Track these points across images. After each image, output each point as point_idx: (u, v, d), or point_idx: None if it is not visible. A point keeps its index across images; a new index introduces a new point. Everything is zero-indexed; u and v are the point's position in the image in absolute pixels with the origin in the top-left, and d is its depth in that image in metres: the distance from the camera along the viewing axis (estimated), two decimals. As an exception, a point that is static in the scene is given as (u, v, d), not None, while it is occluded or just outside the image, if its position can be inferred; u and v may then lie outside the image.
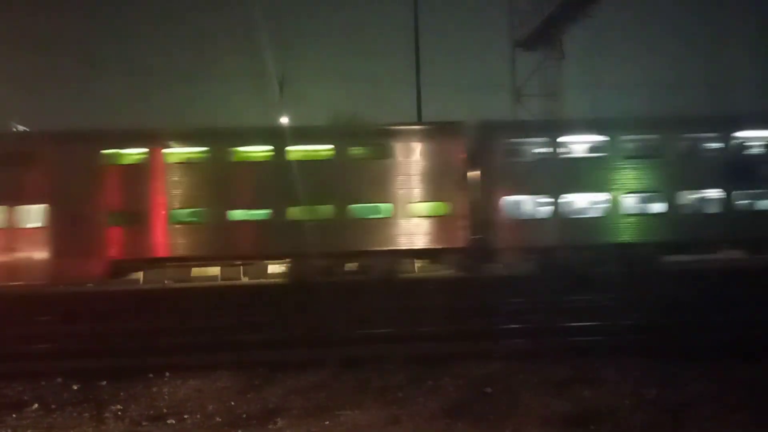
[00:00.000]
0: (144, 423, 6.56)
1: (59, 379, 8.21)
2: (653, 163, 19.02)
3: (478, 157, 18.85)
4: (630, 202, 19.01)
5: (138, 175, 18.18)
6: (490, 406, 6.72)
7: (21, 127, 21.31)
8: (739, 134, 19.42)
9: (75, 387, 7.94)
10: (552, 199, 18.60)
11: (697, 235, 18.73)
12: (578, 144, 19.71)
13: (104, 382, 8.04)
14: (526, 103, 31.67)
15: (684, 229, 18.70)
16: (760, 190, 19.19)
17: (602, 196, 18.79)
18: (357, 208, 18.30)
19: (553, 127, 19.82)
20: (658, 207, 18.96)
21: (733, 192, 18.89)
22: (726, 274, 17.16)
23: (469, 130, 19.17)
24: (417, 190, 18.39)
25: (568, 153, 19.45)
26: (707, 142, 19.71)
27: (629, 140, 19.51)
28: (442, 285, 17.59)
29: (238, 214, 18.21)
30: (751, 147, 19.70)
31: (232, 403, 7.12)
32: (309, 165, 18.41)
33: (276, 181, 18.16)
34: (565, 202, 18.77)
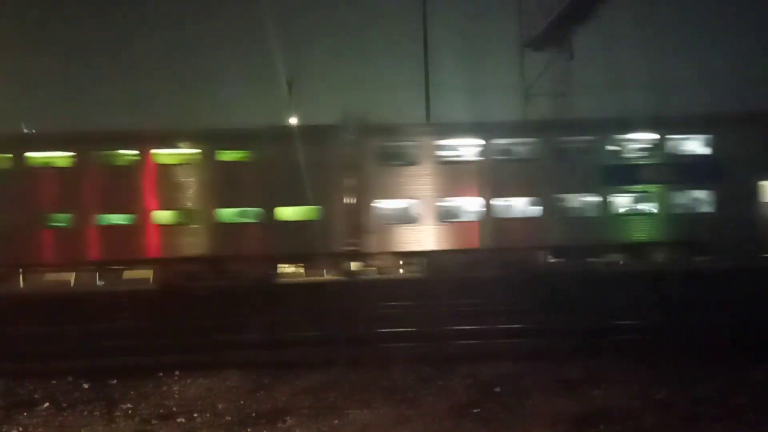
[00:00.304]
0: (154, 421, 6.58)
1: (70, 378, 8.26)
2: (530, 166, 18.71)
3: (353, 160, 18.51)
4: (507, 206, 18.75)
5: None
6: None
7: (30, 130, 21.35)
8: (618, 137, 19.16)
9: (86, 386, 7.99)
10: (426, 203, 18.31)
11: (574, 239, 18.46)
12: (453, 148, 19.38)
13: (114, 381, 8.09)
14: (535, 103, 31.60)
15: (561, 233, 18.43)
16: (637, 195, 18.98)
17: (478, 200, 18.51)
18: (226, 212, 18.03)
19: (427, 131, 19.36)
20: (535, 211, 18.64)
21: (611, 196, 18.66)
22: (602, 279, 17.17)
23: (343, 133, 18.81)
24: (289, 194, 18.03)
25: (444, 157, 19.07)
26: (586, 146, 19.26)
27: (505, 144, 19.25)
28: (311, 290, 17.59)
29: (105, 219, 17.87)
30: (630, 150, 19.36)
31: (242, 402, 7.14)
32: (176, 169, 18.19)
33: (142, 186, 17.87)
34: (440, 206, 18.48)
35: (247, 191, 18.00)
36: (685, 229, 18.46)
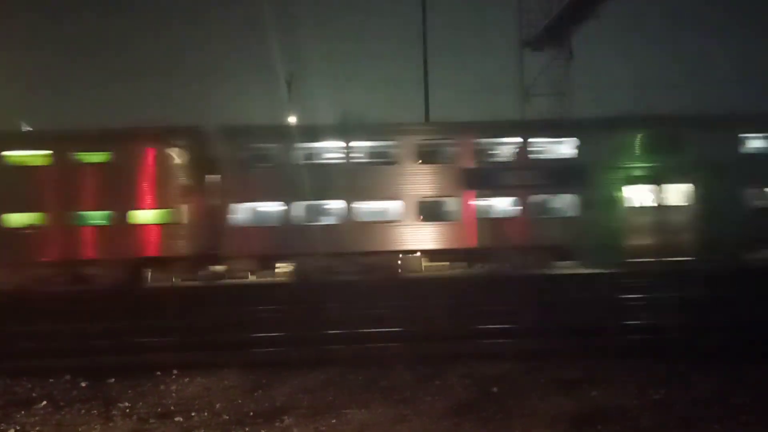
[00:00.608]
0: (152, 420, 6.57)
1: (67, 377, 8.25)
2: (392, 169, 18.58)
3: (211, 162, 18.25)
4: (366, 209, 18.57)
5: None
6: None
7: (28, 128, 21.34)
8: (483, 141, 19.07)
9: (83, 384, 7.98)
10: (288, 206, 18.16)
11: (437, 243, 18.38)
12: (315, 150, 19.27)
13: (112, 380, 8.09)
14: (534, 103, 31.62)
15: (423, 238, 18.34)
16: (502, 198, 18.85)
17: (337, 203, 18.38)
18: (79, 214, 17.73)
19: (288, 133, 19.15)
20: (398, 214, 18.42)
21: (474, 200, 18.52)
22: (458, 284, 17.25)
23: (202, 135, 18.55)
24: (144, 197, 17.76)
25: (305, 159, 18.96)
26: (449, 149, 19.07)
27: (367, 146, 19.15)
28: (166, 295, 16.82)
29: None
30: (495, 154, 19.33)
31: (240, 401, 7.14)
32: (28, 171, 17.97)
33: None
34: (302, 209, 18.40)
35: (102, 193, 17.71)
36: (549, 234, 18.43)
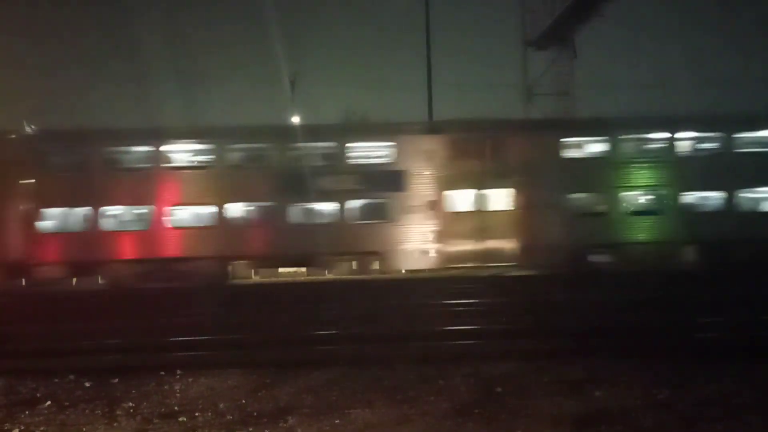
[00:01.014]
0: (155, 420, 6.58)
1: (71, 376, 8.27)
2: (206, 173, 18.41)
3: (24, 166, 17.95)
4: (187, 214, 18.43)
5: None
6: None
7: (33, 129, 21.36)
8: (298, 145, 18.93)
9: (87, 384, 7.99)
10: (99, 211, 17.93)
11: (251, 249, 18.31)
12: (125, 154, 19.05)
13: (116, 380, 8.10)
14: (537, 103, 31.62)
15: (239, 243, 18.18)
16: (319, 204, 18.69)
17: (147, 209, 18.14)
18: None
19: (98, 137, 18.66)
20: (212, 219, 18.24)
21: (291, 205, 18.31)
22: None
23: (15, 139, 18.21)
24: None
25: (115, 164, 18.76)
26: (264, 153, 19.01)
27: (178, 150, 18.99)
28: None
29: None
30: (311, 158, 19.12)
31: (243, 401, 7.14)
32: None
33: None
34: (113, 215, 18.19)
35: None
36: (366, 239, 18.34)
